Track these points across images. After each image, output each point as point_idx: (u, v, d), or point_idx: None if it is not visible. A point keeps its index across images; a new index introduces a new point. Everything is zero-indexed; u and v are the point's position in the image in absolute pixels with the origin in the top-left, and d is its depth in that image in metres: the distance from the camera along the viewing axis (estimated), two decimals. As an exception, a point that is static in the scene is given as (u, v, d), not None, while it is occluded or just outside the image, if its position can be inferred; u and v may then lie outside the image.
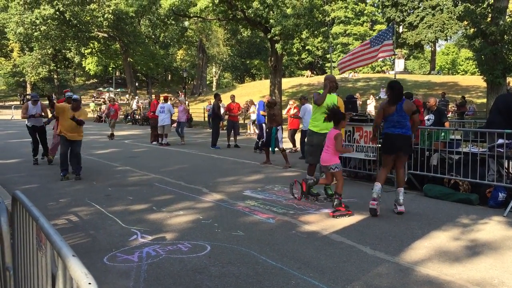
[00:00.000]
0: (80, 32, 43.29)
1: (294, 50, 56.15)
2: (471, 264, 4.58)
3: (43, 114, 11.72)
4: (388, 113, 6.54)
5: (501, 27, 19.37)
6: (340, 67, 13.14)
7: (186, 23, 49.40)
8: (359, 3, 63.16)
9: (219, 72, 75.25)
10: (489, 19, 20.82)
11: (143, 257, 4.74)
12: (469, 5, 23.09)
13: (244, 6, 27.11)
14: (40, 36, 41.38)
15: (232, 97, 17.59)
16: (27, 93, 61.77)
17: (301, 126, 14.03)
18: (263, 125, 15.22)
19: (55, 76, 65.43)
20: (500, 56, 19.73)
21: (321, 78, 49.95)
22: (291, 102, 16.03)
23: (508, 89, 18.18)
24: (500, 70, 19.60)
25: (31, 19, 38.30)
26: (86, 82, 77.35)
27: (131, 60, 48.55)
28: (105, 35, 44.83)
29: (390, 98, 6.64)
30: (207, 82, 72.69)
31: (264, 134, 13.18)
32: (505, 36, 19.74)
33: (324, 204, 7.19)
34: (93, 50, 49.07)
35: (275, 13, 25.15)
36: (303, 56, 65.29)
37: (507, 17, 20.98)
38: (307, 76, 55.83)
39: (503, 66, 19.61)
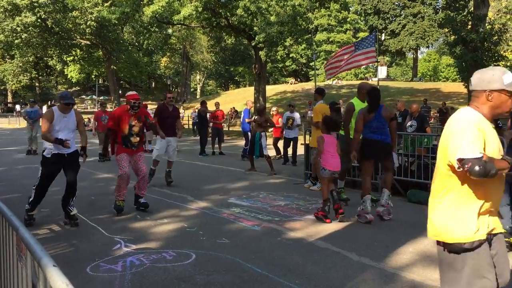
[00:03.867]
0: (62, 40, 42.89)
1: (278, 57, 56.48)
2: (455, 269, 4.60)
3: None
4: (367, 120, 6.55)
5: (481, 34, 19.74)
6: (327, 73, 13.22)
7: (170, 31, 49.37)
8: (342, 11, 63.69)
9: (203, 79, 75.24)
10: (469, 26, 21.20)
11: (127, 266, 4.68)
12: (450, 12, 23.49)
13: (228, 13, 27.20)
14: (21, 44, 40.91)
15: (217, 104, 17.55)
16: (8, 101, 61.01)
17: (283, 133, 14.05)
18: (248, 133, 15.19)
19: (37, 84, 64.71)
20: (481, 62, 20.06)
21: (305, 85, 50.29)
22: (274, 109, 16.04)
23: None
24: (481, 77, 19.91)
25: (12, 27, 37.83)
26: (69, 90, 76.61)
27: (114, 67, 48.23)
28: (88, 42, 44.48)
29: (369, 105, 6.67)
30: (191, 90, 72.59)
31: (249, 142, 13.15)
32: (485, 43, 20.11)
33: (309, 210, 7.18)
34: (76, 57, 48.62)
35: (259, 20, 25.27)
36: (287, 63, 65.62)
37: (486, 24, 21.37)
38: (291, 83, 56.12)
39: (484, 73, 19.93)
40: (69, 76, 62.45)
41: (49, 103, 48.49)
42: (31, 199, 6.30)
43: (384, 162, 6.81)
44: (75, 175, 6.38)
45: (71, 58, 48.85)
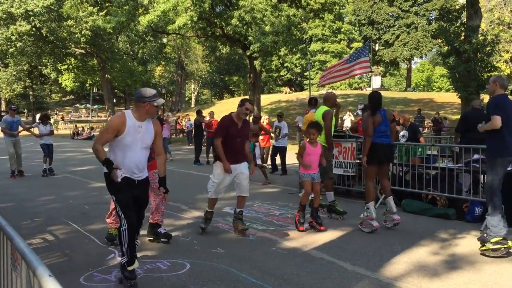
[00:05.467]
0: (57, 48, 42.89)
1: (273, 67, 56.57)
2: (449, 279, 4.61)
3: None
4: (377, 124, 6.57)
5: (474, 45, 19.90)
6: (320, 81, 13.34)
7: (165, 40, 49.44)
8: (336, 21, 64.07)
9: (198, 88, 75.29)
10: (462, 37, 21.39)
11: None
12: (443, 23, 23.69)
13: (223, 23, 27.30)
14: (15, 52, 40.87)
15: (211, 113, 17.56)
16: (2, 109, 60.63)
17: (272, 142, 13.99)
18: None
19: (31, 93, 64.44)
20: (474, 73, 20.23)
21: (299, 95, 50.41)
22: (266, 117, 15.99)
23: (482, 105, 18.61)
24: (474, 87, 20.07)
25: (6, 35, 37.84)
26: (63, 99, 76.38)
27: (109, 76, 48.18)
28: (82, 51, 44.49)
29: (370, 108, 6.70)
30: (186, 99, 72.60)
31: None
32: (478, 54, 20.27)
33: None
34: (70, 66, 48.54)
35: (253, 30, 25.39)
36: (281, 73, 65.77)
37: (479, 35, 21.56)
38: (285, 93, 56.18)
39: (477, 83, 20.09)
40: (63, 85, 62.21)
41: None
42: (124, 247, 4.34)
43: (385, 167, 6.79)
44: (143, 211, 4.73)
45: (66, 66, 48.77)
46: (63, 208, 8.13)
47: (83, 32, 39.77)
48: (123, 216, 4.31)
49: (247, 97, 36.23)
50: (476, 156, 7.26)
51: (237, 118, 6.28)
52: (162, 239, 5.86)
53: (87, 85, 62.31)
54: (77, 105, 69.07)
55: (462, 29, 21.91)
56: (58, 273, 4.49)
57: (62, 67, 49.41)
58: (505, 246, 5.24)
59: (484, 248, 5.33)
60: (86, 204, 8.45)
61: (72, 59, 46.90)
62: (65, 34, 40.79)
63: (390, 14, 51.58)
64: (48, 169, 13.08)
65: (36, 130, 13.31)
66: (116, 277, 4.56)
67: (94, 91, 69.00)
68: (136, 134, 4.36)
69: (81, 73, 52.09)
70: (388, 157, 6.74)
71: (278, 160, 13.80)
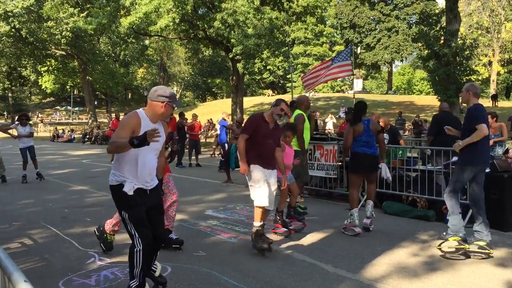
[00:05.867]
0: (37, 50, 42.28)
1: (256, 69, 56.72)
2: (429, 280, 4.66)
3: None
4: (357, 134, 6.61)
5: (453, 49, 20.23)
6: (304, 85, 13.47)
7: (147, 42, 49.19)
8: (319, 25, 64.55)
9: (180, 90, 75.03)
10: (442, 41, 21.71)
11: (101, 280, 4.60)
12: (423, 27, 24.00)
13: (205, 25, 27.24)
14: (-6, 54, 40.28)
15: (194, 116, 17.52)
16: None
17: None
18: (226, 144, 15.17)
19: (10, 95, 63.46)
20: (453, 76, 20.54)
21: (282, 97, 50.63)
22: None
23: (462, 108, 18.91)
24: (453, 90, 20.38)
25: (-16, 36, 37.29)
26: (43, 101, 75.43)
27: (90, 78, 47.68)
28: (63, 52, 43.93)
29: (352, 118, 6.76)
30: (168, 101, 72.23)
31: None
32: (457, 58, 20.60)
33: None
34: (50, 68, 47.86)
35: (236, 33, 25.38)
36: (264, 75, 66.00)
37: (458, 39, 21.91)
38: (268, 95, 56.37)
39: (456, 86, 20.40)
40: (43, 87, 61.34)
41: None
42: (136, 270, 3.90)
43: (371, 176, 6.84)
44: (163, 223, 4.29)
45: (46, 68, 48.07)
46: (43, 212, 8.01)
47: (63, 34, 39.27)
48: (137, 235, 3.83)
49: (230, 99, 36.20)
50: (455, 158, 7.35)
51: (269, 118, 5.74)
52: (173, 245, 5.58)
53: (68, 87, 61.59)
54: (58, 107, 68.30)
55: (442, 33, 22.25)
56: (37, 278, 4.44)
57: (42, 69, 48.69)
58: (462, 247, 5.26)
59: (441, 245, 5.33)
60: (66, 208, 8.34)
61: (53, 60, 46.26)
62: (45, 36, 40.23)
63: (371, 18, 52.22)
64: (37, 174, 12.23)
65: (14, 132, 12.45)
66: (96, 281, 4.50)
67: (75, 93, 68.23)
68: None
69: (61, 75, 51.37)
70: (371, 168, 6.71)
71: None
